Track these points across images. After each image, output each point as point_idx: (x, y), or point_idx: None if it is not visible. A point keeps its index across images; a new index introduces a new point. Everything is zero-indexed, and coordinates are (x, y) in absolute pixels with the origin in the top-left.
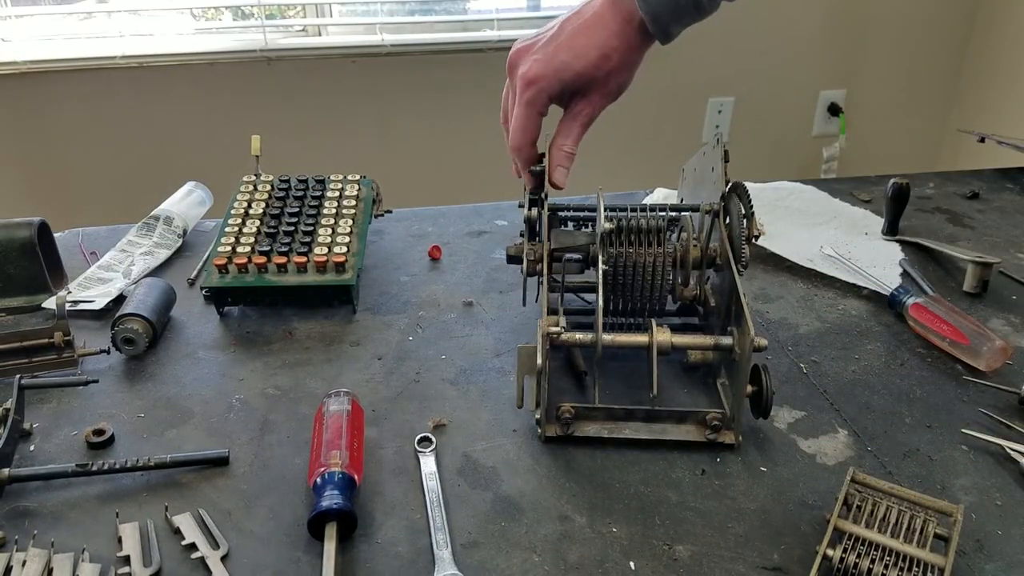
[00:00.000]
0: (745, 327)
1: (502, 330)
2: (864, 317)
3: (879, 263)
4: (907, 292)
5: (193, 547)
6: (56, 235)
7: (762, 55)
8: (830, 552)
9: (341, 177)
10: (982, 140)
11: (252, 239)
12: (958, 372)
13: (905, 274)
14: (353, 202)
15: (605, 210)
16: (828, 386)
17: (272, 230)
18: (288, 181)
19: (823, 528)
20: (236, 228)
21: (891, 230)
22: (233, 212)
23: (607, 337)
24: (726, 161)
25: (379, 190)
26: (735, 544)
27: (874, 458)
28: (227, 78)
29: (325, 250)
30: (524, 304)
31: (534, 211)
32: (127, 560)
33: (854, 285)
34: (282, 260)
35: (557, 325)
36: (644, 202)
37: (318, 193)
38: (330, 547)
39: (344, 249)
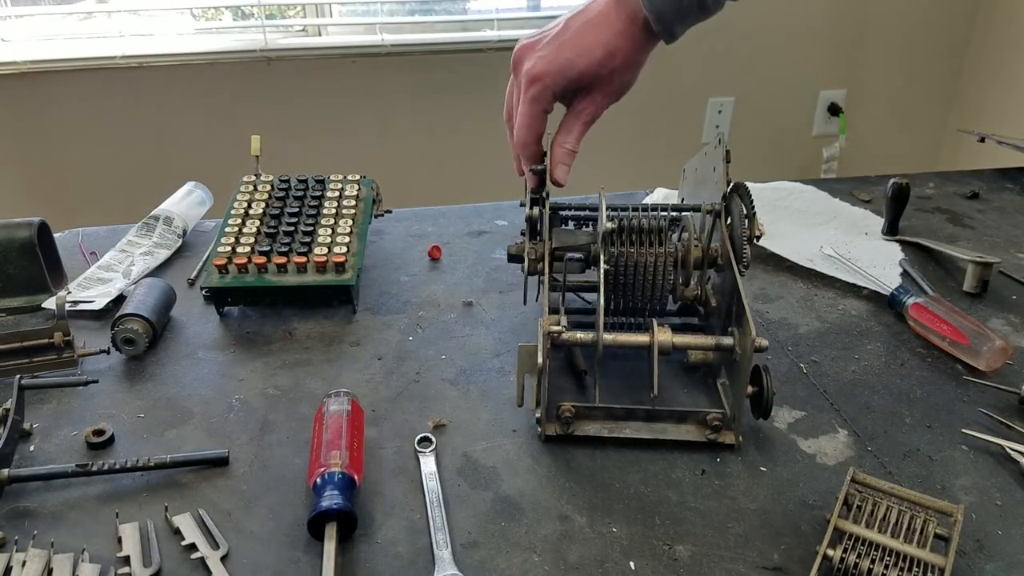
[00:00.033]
0: (746, 327)
1: (502, 330)
2: (864, 317)
3: (879, 263)
4: (907, 292)
5: (193, 547)
6: (56, 235)
7: (762, 55)
8: (830, 552)
9: (341, 177)
10: (982, 140)
11: (252, 239)
12: (958, 372)
13: (905, 274)
14: (353, 202)
15: (607, 209)
16: (828, 386)
17: (272, 230)
18: (288, 181)
19: (823, 528)
20: (236, 228)
21: (891, 230)
22: (233, 212)
23: (608, 337)
24: (728, 161)
25: (379, 190)
26: (735, 544)
27: (874, 458)
28: (227, 78)
29: (325, 250)
30: (525, 303)
31: (535, 210)
32: (127, 560)
33: (854, 285)
34: (282, 260)
35: (558, 324)
36: (644, 202)
37: (318, 193)
38: (330, 547)
39: (344, 249)
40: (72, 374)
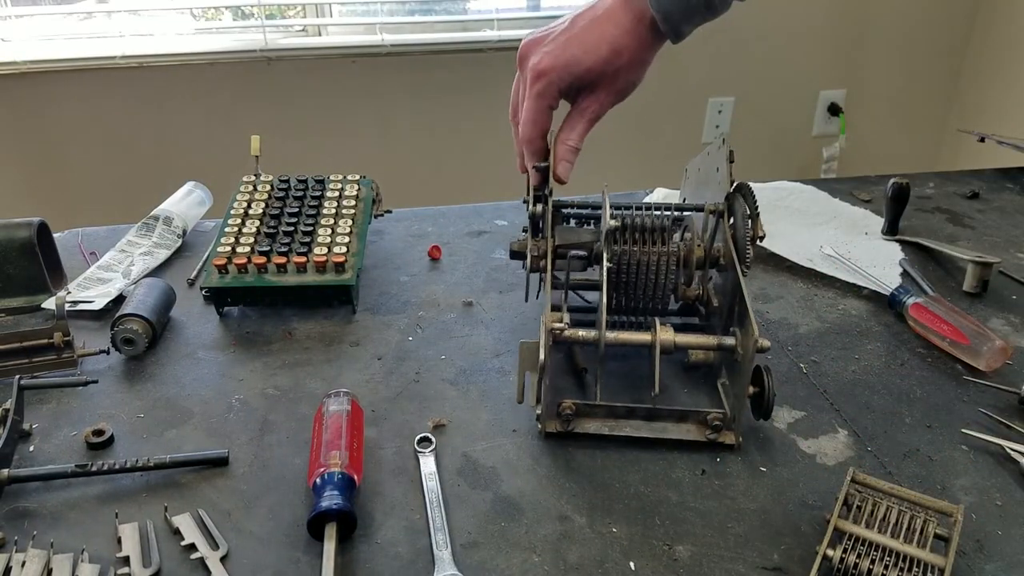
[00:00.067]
0: (749, 328)
1: (502, 330)
2: (864, 317)
3: (879, 263)
4: (907, 292)
5: (193, 547)
6: (56, 235)
7: (762, 55)
8: (830, 552)
9: (341, 177)
10: (982, 140)
11: (252, 239)
12: (958, 372)
13: (905, 274)
14: (353, 202)
15: (610, 208)
16: (828, 386)
17: (272, 230)
18: (288, 181)
19: (823, 528)
20: (236, 228)
21: (891, 230)
22: (233, 212)
23: (610, 335)
24: (731, 162)
25: (379, 190)
26: (735, 544)
27: (874, 458)
28: (227, 78)
29: (325, 250)
30: (527, 300)
31: (539, 207)
32: (126, 561)
33: (854, 285)
34: (282, 260)
35: (561, 321)
36: (645, 201)
37: (318, 193)
38: (330, 547)
39: (344, 249)
40: (72, 374)
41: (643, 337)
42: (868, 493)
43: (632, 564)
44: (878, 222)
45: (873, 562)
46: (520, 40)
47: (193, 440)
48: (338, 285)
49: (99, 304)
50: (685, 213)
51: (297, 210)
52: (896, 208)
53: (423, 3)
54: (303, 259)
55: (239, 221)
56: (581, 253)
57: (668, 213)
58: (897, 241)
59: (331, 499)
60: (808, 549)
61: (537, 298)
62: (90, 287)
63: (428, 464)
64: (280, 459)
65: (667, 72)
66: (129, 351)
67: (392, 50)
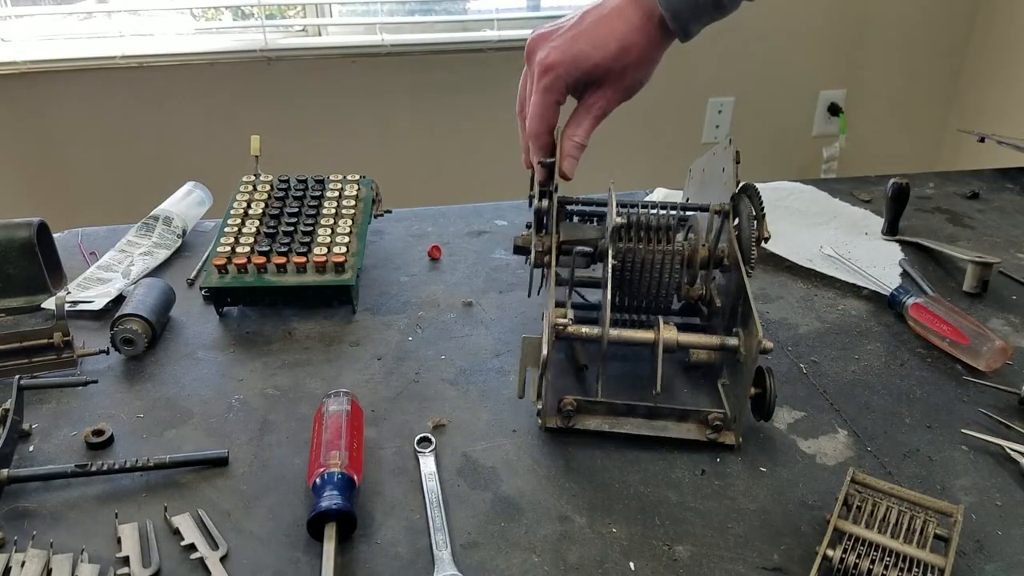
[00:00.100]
0: (753, 329)
1: (502, 330)
2: (864, 317)
3: (879, 263)
4: (907, 292)
5: (192, 548)
6: (56, 235)
7: (762, 55)
8: (830, 552)
9: (341, 177)
10: (982, 140)
11: (251, 239)
12: (958, 372)
13: (905, 274)
14: (353, 202)
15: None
16: (828, 386)
17: (271, 230)
18: (288, 181)
19: (823, 528)
20: (235, 228)
21: (891, 230)
22: (232, 212)
23: (613, 332)
24: (738, 162)
25: (379, 190)
26: (735, 544)
27: (874, 458)
28: (227, 78)
29: (324, 250)
30: (529, 295)
31: (544, 202)
32: (126, 561)
33: (854, 285)
34: (281, 260)
35: (565, 317)
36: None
37: (317, 193)
38: (329, 547)
39: (343, 249)
40: (71, 374)
41: (646, 335)
42: (868, 493)
43: (632, 564)
44: (878, 222)
45: (873, 562)
46: (520, 40)
47: (193, 440)
48: (338, 285)
49: (99, 304)
50: (689, 213)
51: (297, 210)
52: (896, 208)
53: (423, 3)
54: (303, 259)
55: (239, 221)
56: (586, 249)
57: (674, 212)
58: (897, 241)
59: (331, 499)
60: (808, 549)
61: (539, 294)
62: (90, 287)
63: (428, 464)
64: (280, 459)
65: (667, 72)
66: (129, 351)
67: (392, 50)
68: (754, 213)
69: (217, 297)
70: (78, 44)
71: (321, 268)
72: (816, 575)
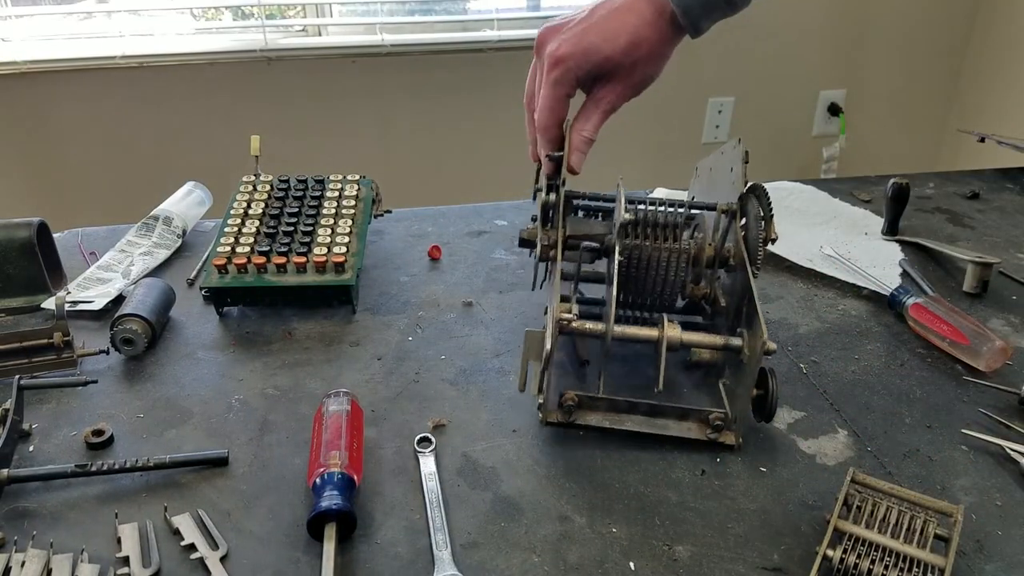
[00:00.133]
0: (758, 329)
1: (502, 330)
2: (864, 317)
3: (879, 263)
4: (907, 292)
5: (192, 548)
6: (56, 235)
7: (762, 55)
8: (830, 552)
9: (341, 177)
10: (982, 140)
11: (251, 239)
12: (958, 372)
13: (905, 274)
14: (353, 202)
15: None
16: (828, 386)
17: (271, 230)
18: (288, 181)
19: (823, 528)
20: (235, 228)
21: (891, 230)
22: (232, 212)
23: (617, 328)
24: (746, 162)
25: (379, 190)
26: (735, 544)
27: (874, 458)
28: (227, 78)
29: (324, 250)
30: (533, 289)
31: (551, 196)
32: (126, 561)
33: (854, 285)
34: (281, 260)
35: (570, 312)
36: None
37: (317, 193)
38: (329, 547)
39: (343, 249)
40: (71, 374)
41: (650, 332)
42: (868, 493)
43: (632, 564)
44: (878, 222)
45: (873, 562)
46: (520, 40)
47: (193, 440)
48: (338, 285)
49: (99, 304)
50: (695, 211)
51: (297, 210)
52: (896, 208)
53: (423, 3)
54: (303, 259)
55: (239, 221)
56: (593, 245)
57: (682, 210)
58: (897, 241)
59: (331, 499)
60: (808, 549)
61: (542, 287)
62: (90, 287)
63: (428, 464)
64: (280, 459)
65: (667, 72)
66: (129, 351)
67: (392, 50)
68: (762, 214)
69: (217, 297)
70: (78, 44)
71: (321, 268)
72: (816, 575)
